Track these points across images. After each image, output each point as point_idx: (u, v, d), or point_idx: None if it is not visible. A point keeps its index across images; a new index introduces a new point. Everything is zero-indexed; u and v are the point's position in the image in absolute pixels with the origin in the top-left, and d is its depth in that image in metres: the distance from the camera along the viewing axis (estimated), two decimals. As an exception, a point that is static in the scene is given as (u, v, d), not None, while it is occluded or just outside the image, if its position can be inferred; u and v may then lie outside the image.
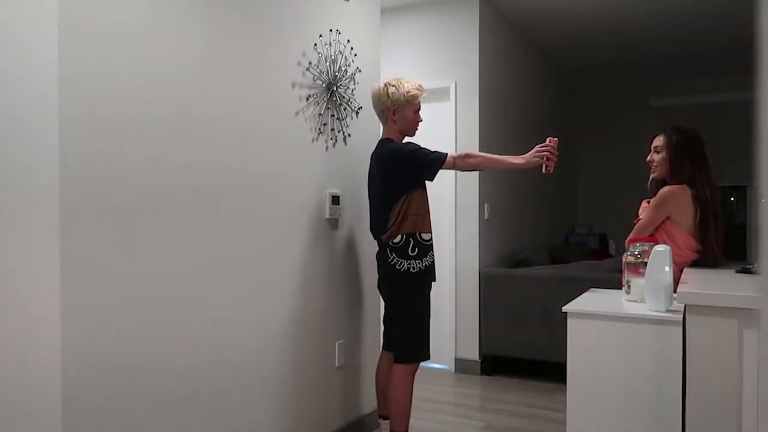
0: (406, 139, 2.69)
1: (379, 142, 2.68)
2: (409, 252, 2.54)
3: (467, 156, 2.57)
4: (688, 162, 2.46)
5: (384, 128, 2.69)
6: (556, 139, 2.48)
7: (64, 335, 1.60)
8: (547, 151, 2.47)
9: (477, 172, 4.25)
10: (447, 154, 2.54)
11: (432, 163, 2.53)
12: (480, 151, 4.26)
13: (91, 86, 1.68)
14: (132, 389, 1.80)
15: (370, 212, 2.73)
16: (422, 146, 2.57)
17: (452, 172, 4.32)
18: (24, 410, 1.64)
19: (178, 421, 1.96)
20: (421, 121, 2.70)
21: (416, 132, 2.71)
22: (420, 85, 2.66)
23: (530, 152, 2.52)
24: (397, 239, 2.53)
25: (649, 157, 2.60)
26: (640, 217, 2.57)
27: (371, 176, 2.72)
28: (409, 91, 2.60)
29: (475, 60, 4.29)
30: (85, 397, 1.66)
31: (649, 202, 2.57)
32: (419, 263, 2.54)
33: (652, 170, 2.59)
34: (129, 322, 1.79)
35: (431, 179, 2.59)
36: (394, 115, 2.62)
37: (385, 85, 2.62)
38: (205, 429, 2.07)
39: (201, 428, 2.05)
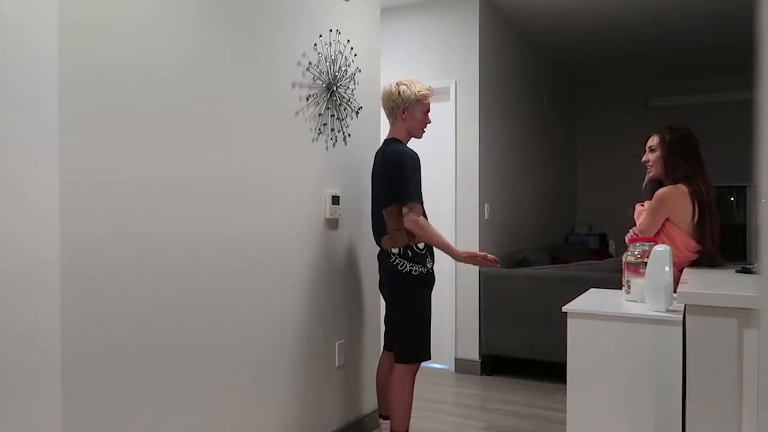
0: (413, 142, 2.70)
1: (385, 141, 2.69)
2: (411, 257, 2.55)
3: (420, 224, 2.51)
4: (682, 160, 2.48)
5: (391, 127, 2.70)
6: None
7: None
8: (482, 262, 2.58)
9: (477, 172, 4.26)
10: (417, 203, 2.50)
11: (398, 194, 2.51)
12: (479, 151, 4.28)
13: (88, 86, 1.68)
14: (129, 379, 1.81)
15: (372, 214, 2.73)
16: (415, 172, 2.52)
17: (452, 172, 4.33)
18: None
19: (178, 423, 1.96)
20: (430, 122, 2.72)
21: (423, 134, 2.72)
22: (431, 87, 2.70)
23: (470, 253, 2.60)
24: (395, 250, 2.56)
25: (644, 157, 2.61)
26: (637, 221, 2.57)
27: (374, 176, 2.72)
28: (420, 91, 2.63)
29: (475, 60, 4.29)
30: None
31: (643, 205, 2.58)
32: (421, 267, 2.55)
33: (647, 170, 2.61)
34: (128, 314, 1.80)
35: (387, 206, 2.56)
36: (403, 113, 2.64)
37: (397, 84, 2.65)
38: (205, 429, 2.07)
39: (201, 429, 2.06)
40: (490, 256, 2.58)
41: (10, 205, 1.65)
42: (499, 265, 2.61)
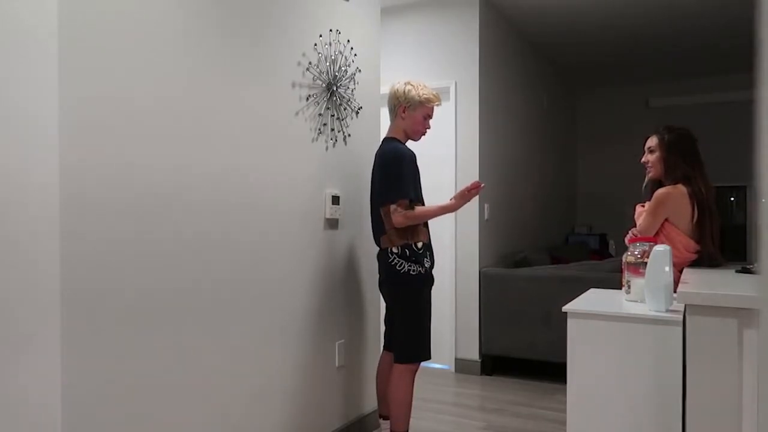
0: (410, 143, 2.70)
1: (383, 140, 2.69)
2: (408, 256, 2.55)
3: (408, 215, 2.52)
4: (682, 159, 2.48)
5: (390, 125, 2.70)
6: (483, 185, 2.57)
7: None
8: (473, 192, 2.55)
9: (477, 172, 4.26)
10: (401, 200, 2.50)
11: (387, 192, 2.52)
12: (479, 151, 4.28)
13: (89, 89, 1.68)
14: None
15: (371, 213, 2.73)
16: (406, 169, 2.52)
17: (452, 172, 4.33)
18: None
19: (177, 423, 1.96)
20: (429, 128, 2.72)
21: (420, 138, 2.72)
22: (438, 95, 2.70)
23: (458, 196, 2.57)
24: (395, 249, 2.56)
25: (643, 158, 2.61)
26: (637, 222, 2.57)
27: (372, 175, 2.72)
28: (425, 95, 2.64)
29: (475, 60, 4.29)
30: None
31: (643, 206, 2.58)
32: (419, 266, 2.55)
33: (647, 171, 2.61)
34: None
35: (383, 205, 2.57)
36: (403, 112, 2.65)
37: (405, 83, 2.67)
38: (206, 429, 2.07)
39: (200, 429, 2.05)
40: (472, 183, 2.55)
41: (11, 204, 1.65)
42: (483, 185, 2.56)
